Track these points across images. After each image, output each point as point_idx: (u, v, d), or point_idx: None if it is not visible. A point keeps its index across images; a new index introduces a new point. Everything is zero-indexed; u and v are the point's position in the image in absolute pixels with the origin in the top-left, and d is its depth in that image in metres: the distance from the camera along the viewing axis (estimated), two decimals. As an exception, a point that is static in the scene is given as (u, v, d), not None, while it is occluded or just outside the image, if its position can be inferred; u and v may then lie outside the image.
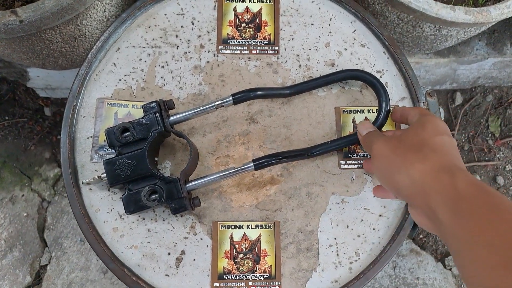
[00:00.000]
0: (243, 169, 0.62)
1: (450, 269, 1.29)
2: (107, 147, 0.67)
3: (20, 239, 1.25)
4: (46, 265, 1.24)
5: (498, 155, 1.41)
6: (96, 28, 0.97)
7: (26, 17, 0.82)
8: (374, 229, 0.66)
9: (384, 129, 0.67)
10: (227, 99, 0.64)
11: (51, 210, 1.28)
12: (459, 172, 0.44)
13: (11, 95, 1.34)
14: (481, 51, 1.27)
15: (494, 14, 0.95)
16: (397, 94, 0.71)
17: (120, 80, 0.70)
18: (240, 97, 0.65)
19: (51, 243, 1.25)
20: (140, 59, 0.71)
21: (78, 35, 0.95)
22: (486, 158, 1.41)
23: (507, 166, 1.41)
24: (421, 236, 1.33)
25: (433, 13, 0.93)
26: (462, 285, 1.28)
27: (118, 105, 0.69)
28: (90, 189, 0.66)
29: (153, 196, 0.61)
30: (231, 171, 0.62)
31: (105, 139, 0.63)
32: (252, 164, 0.62)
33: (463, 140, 1.42)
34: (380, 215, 0.66)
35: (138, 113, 0.69)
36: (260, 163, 0.63)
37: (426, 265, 1.30)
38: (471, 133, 1.42)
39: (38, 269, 1.24)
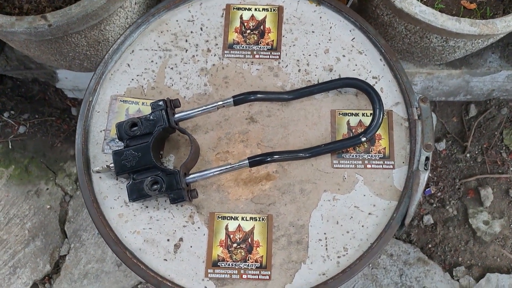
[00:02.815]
0: (239, 165, 0.67)
1: (458, 280, 1.29)
2: (118, 140, 0.73)
3: (42, 230, 1.33)
4: (65, 255, 1.31)
5: (511, 168, 1.41)
6: (118, 33, 1.04)
7: (55, 21, 0.90)
8: (363, 226, 0.69)
9: (377, 133, 0.71)
10: (228, 100, 0.69)
11: (72, 204, 1.36)
12: None
13: (42, 95, 1.43)
14: (494, 63, 1.28)
15: (500, 26, 0.97)
16: (391, 99, 0.75)
17: (132, 79, 0.76)
18: (241, 99, 0.70)
19: (70, 235, 1.32)
20: (152, 61, 0.77)
21: (101, 39, 1.02)
22: (499, 171, 1.40)
23: (521, 180, 1.40)
24: (430, 245, 1.34)
25: (438, 25, 0.96)
26: (470, 297, 1.28)
27: (130, 102, 0.75)
28: (100, 177, 0.72)
29: (155, 186, 0.66)
30: (227, 166, 0.67)
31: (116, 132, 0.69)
32: (247, 161, 0.67)
33: (477, 152, 1.42)
34: (369, 213, 0.70)
35: (147, 110, 0.74)
36: (255, 161, 0.67)
37: (433, 275, 1.30)
38: (484, 145, 1.42)
39: (58, 259, 1.31)
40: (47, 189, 1.36)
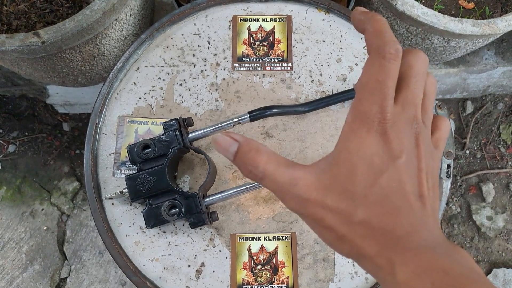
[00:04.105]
0: (259, 184, 0.64)
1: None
2: (129, 163, 0.70)
3: (40, 252, 1.28)
4: (66, 277, 1.26)
5: (510, 163, 1.42)
6: (114, 46, 1.00)
7: (48, 38, 0.86)
8: (388, 239, 0.67)
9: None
10: (244, 117, 0.66)
11: (70, 224, 1.31)
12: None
13: (30, 111, 1.38)
14: (490, 60, 1.28)
15: (502, 25, 0.96)
16: (408, 107, 0.73)
17: (140, 98, 0.73)
18: (257, 115, 0.67)
19: (70, 256, 1.28)
20: (159, 78, 0.74)
21: (97, 54, 0.98)
22: (499, 166, 1.41)
23: (520, 174, 1.41)
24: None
25: (441, 26, 0.95)
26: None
27: (139, 122, 0.72)
28: (112, 204, 0.68)
29: (173, 211, 0.63)
30: (248, 186, 0.64)
31: (127, 156, 0.65)
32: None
33: (475, 148, 1.43)
34: (394, 226, 0.68)
35: (157, 130, 0.71)
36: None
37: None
38: (483, 141, 1.43)
39: (58, 282, 1.26)
40: (43, 209, 1.31)
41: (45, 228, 1.29)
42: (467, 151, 1.42)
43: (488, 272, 1.30)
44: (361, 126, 0.29)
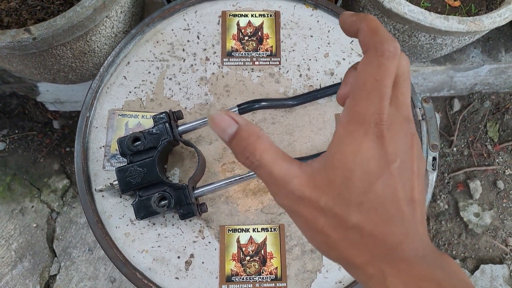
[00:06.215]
0: (248, 176, 0.66)
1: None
2: (119, 156, 0.71)
3: (30, 249, 1.27)
4: (56, 274, 1.26)
5: (497, 160, 1.44)
6: (104, 43, 1.01)
7: (39, 34, 0.86)
8: (375, 230, 0.69)
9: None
10: (233, 110, 0.68)
11: (60, 221, 1.31)
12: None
13: (20, 109, 1.38)
14: (476, 58, 1.31)
15: (487, 22, 0.98)
16: (394, 101, 0.74)
17: (130, 92, 0.74)
18: (246, 108, 0.68)
19: (60, 253, 1.28)
20: (149, 72, 0.75)
21: (87, 50, 0.99)
22: (486, 163, 1.44)
23: (506, 171, 1.44)
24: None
25: (427, 23, 0.97)
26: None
27: (129, 115, 0.72)
28: (102, 196, 0.69)
29: (163, 202, 0.64)
30: (237, 178, 0.65)
31: (117, 148, 0.66)
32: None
33: (463, 146, 1.45)
34: (380, 217, 0.69)
35: (147, 123, 0.72)
36: None
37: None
38: (470, 139, 1.45)
39: (48, 279, 1.26)
40: (32, 206, 1.31)
41: (34, 225, 1.29)
42: (455, 149, 1.44)
43: (475, 268, 1.32)
44: (358, 128, 0.28)
